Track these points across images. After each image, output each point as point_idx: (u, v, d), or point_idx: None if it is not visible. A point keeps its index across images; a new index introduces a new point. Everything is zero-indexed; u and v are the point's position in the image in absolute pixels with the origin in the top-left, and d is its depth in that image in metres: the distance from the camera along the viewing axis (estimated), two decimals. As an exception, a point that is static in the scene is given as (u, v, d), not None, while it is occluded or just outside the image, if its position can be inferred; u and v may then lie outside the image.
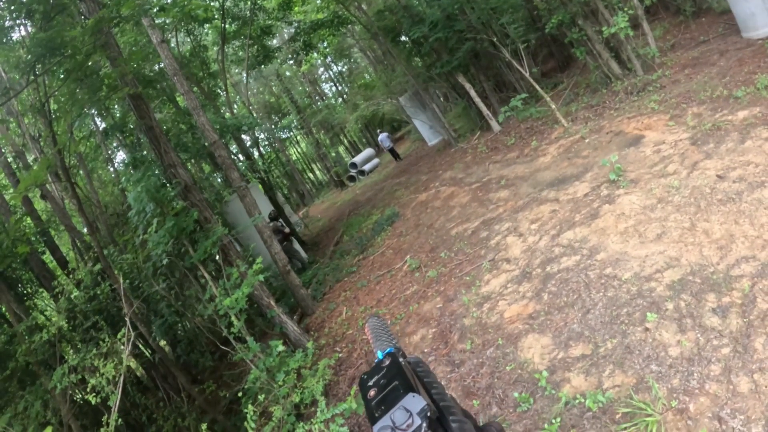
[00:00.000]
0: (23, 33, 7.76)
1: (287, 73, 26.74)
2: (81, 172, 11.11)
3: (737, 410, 2.48)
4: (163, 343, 7.94)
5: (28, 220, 8.45)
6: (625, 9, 7.89)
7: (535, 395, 3.30)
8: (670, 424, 2.60)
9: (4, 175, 9.48)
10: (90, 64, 5.78)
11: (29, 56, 5.31)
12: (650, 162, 5.43)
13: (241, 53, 14.63)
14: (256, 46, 13.55)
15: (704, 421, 2.52)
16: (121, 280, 5.44)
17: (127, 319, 4.71)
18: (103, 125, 10.84)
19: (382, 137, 19.26)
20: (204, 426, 4.12)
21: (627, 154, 5.92)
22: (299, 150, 32.93)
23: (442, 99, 15.63)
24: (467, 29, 10.23)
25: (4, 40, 6.69)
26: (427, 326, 5.05)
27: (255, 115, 18.58)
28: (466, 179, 9.25)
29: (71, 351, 6.03)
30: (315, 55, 17.51)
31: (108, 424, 4.05)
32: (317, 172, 33.57)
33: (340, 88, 31.50)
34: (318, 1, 14.78)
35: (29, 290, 8.00)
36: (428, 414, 0.81)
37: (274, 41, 17.54)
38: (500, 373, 3.72)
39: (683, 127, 5.74)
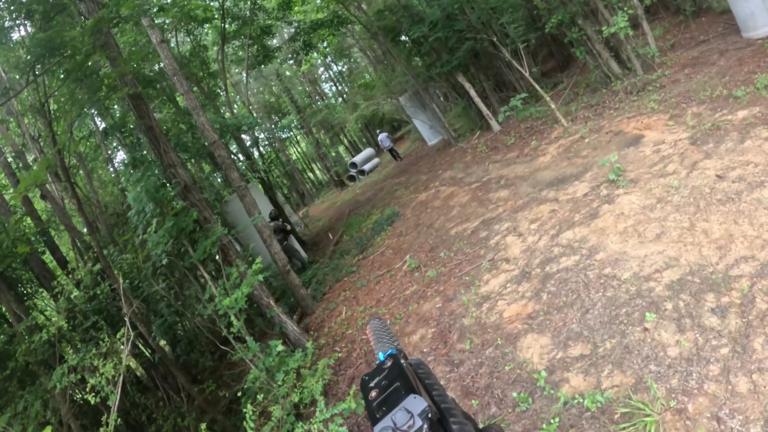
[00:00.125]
0: (23, 33, 7.76)
1: (287, 73, 26.75)
2: (81, 172, 11.11)
3: (736, 410, 2.48)
4: (162, 342, 7.94)
5: (28, 220, 8.46)
6: (625, 9, 7.88)
7: (534, 395, 3.30)
8: (669, 424, 2.60)
9: (4, 175, 9.49)
10: (90, 64, 5.79)
11: (29, 56, 5.31)
12: (650, 162, 5.43)
13: (241, 53, 14.64)
14: (256, 46, 13.55)
15: (703, 421, 2.52)
16: (121, 280, 5.45)
17: (126, 318, 4.71)
18: (103, 125, 10.84)
19: (382, 137, 19.27)
20: (203, 426, 4.13)
21: (626, 154, 5.92)
22: (299, 150, 32.94)
23: (442, 99, 15.64)
24: (467, 29, 10.23)
25: (4, 40, 6.69)
26: (427, 326, 5.05)
27: (255, 114, 18.57)
28: (466, 179, 9.25)
29: (71, 351, 6.03)
30: (315, 54, 17.52)
31: (107, 424, 4.06)
32: (317, 172, 33.58)
33: (340, 87, 31.52)
34: (318, 1, 14.78)
35: (29, 290, 8.01)
36: (429, 415, 0.82)
37: (274, 41, 17.55)
38: (499, 373, 3.72)
39: (683, 126, 5.73)
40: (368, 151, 23.86)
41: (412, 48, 11.72)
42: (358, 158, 22.66)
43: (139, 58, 8.46)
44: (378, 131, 21.71)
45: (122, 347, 4.72)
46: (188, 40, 12.68)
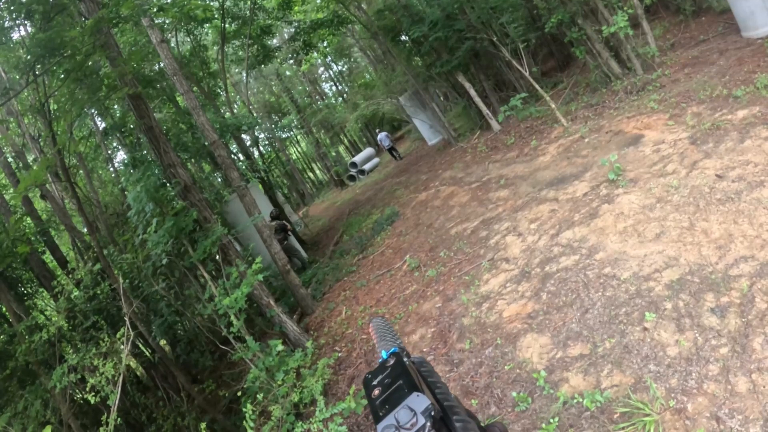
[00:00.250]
0: (23, 33, 7.77)
1: (287, 73, 26.73)
2: (81, 172, 11.11)
3: (735, 410, 2.48)
4: (162, 342, 7.95)
5: (28, 219, 8.46)
6: (625, 8, 7.88)
7: (534, 395, 3.30)
8: (668, 423, 2.60)
9: (4, 175, 9.49)
10: (89, 64, 5.79)
11: (29, 56, 5.31)
12: (649, 161, 5.43)
13: (241, 53, 14.64)
14: (256, 46, 13.55)
15: (702, 420, 2.52)
16: (121, 280, 5.45)
17: (126, 318, 4.72)
18: (103, 125, 10.84)
19: (381, 136, 19.28)
20: (203, 425, 4.13)
21: (626, 154, 5.92)
22: (299, 149, 32.94)
23: (442, 98, 15.63)
24: (467, 28, 10.22)
25: (4, 40, 6.69)
26: (426, 326, 5.05)
27: (255, 114, 18.57)
28: (466, 179, 9.25)
29: (71, 350, 6.04)
30: (315, 54, 17.53)
31: (107, 424, 4.06)
32: (317, 172, 33.58)
33: (340, 87, 31.51)
34: (318, 1, 14.78)
35: (29, 290, 8.01)
36: (432, 413, 0.82)
37: (274, 41, 17.54)
38: (499, 373, 3.72)
39: (683, 126, 5.73)
40: (368, 151, 23.85)
41: (412, 48, 11.71)
42: (358, 158, 22.65)
43: (139, 58, 8.46)
44: (378, 131, 21.72)
45: (122, 347, 4.73)
46: (188, 39, 12.68)
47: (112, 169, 13.14)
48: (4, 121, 9.68)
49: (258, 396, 4.48)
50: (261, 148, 16.34)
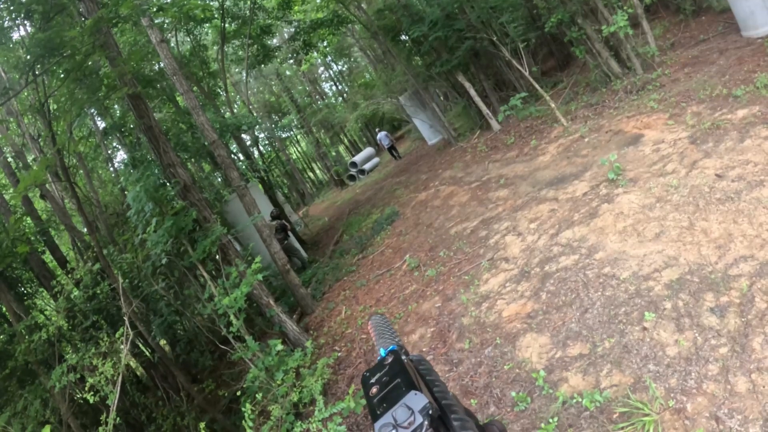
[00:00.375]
0: (23, 33, 7.76)
1: (287, 73, 26.72)
2: (81, 171, 11.12)
3: (735, 410, 2.48)
4: (162, 342, 7.95)
5: (28, 219, 8.47)
6: (625, 8, 7.88)
7: (533, 394, 3.30)
8: (668, 423, 2.60)
9: (4, 175, 9.49)
10: (89, 63, 5.79)
11: (29, 56, 5.31)
12: (649, 161, 5.43)
13: (240, 53, 14.63)
14: (255, 46, 13.54)
15: (701, 420, 2.51)
16: (121, 280, 5.45)
17: (126, 318, 4.72)
18: (103, 125, 10.84)
19: (381, 136, 19.30)
20: (203, 425, 4.13)
21: (626, 153, 5.92)
22: (299, 149, 32.94)
23: (442, 98, 15.63)
24: (467, 28, 10.22)
25: (4, 40, 6.69)
26: (426, 325, 5.05)
27: (255, 114, 18.57)
28: (466, 178, 9.25)
29: (70, 350, 6.04)
30: (315, 54, 17.52)
31: (107, 423, 4.06)
32: (317, 172, 33.58)
33: (340, 87, 31.51)
34: (318, 1, 14.77)
35: (29, 290, 8.01)
36: (430, 412, 0.82)
37: (274, 40, 17.54)
38: (498, 373, 3.72)
39: (682, 126, 5.73)
40: (368, 151, 23.85)
41: (412, 47, 11.71)
42: (358, 158, 22.65)
43: (139, 57, 8.45)
44: (377, 130, 21.72)
45: (122, 346, 4.73)
46: (188, 39, 12.68)
47: (112, 169, 13.14)
48: (4, 121, 9.68)
49: (257, 395, 4.48)
50: (261, 148, 16.34)
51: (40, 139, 9.05)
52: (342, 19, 13.18)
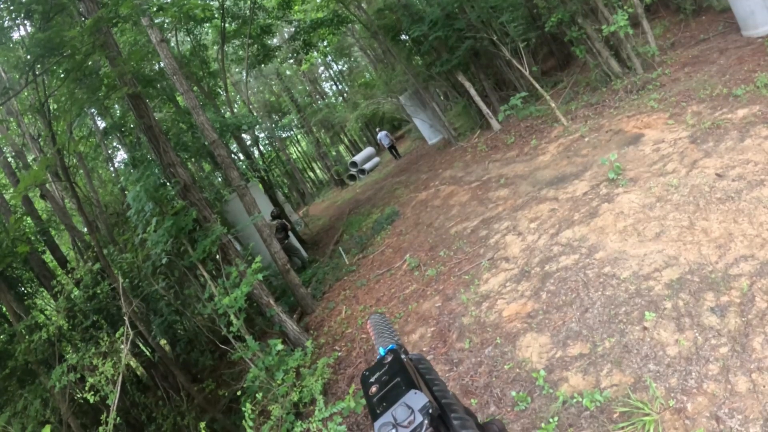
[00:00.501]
0: (23, 33, 7.76)
1: (287, 72, 26.72)
2: (81, 171, 11.12)
3: (735, 410, 2.48)
4: (162, 342, 7.95)
5: (28, 219, 8.47)
6: (625, 7, 7.87)
7: (533, 394, 3.30)
8: (668, 423, 2.60)
9: (4, 175, 9.49)
10: (89, 63, 5.79)
11: (29, 56, 5.31)
12: (649, 160, 5.43)
13: (241, 52, 14.63)
14: (256, 45, 13.54)
15: (702, 420, 2.51)
16: (121, 279, 5.45)
17: (126, 318, 4.71)
18: (103, 125, 10.84)
19: (381, 135, 19.31)
20: (203, 425, 4.13)
21: (626, 153, 5.91)
22: (299, 149, 32.94)
23: (442, 98, 15.62)
24: (467, 28, 10.21)
25: (4, 40, 6.69)
26: (426, 325, 5.05)
27: (255, 114, 18.57)
28: (466, 178, 9.25)
29: (71, 350, 6.04)
30: (315, 54, 17.51)
31: (107, 423, 4.06)
32: (317, 171, 33.58)
33: (340, 87, 31.51)
34: (318, 0, 14.77)
35: (29, 289, 8.01)
36: (430, 411, 0.81)
37: (274, 40, 17.54)
38: (498, 372, 3.72)
39: (683, 125, 5.73)
40: (368, 150, 23.84)
41: (412, 47, 11.70)
42: (358, 157, 22.65)
43: (139, 57, 8.44)
44: (378, 130, 21.72)
45: (122, 346, 4.73)
46: (188, 39, 12.67)
47: (112, 168, 13.15)
48: (4, 121, 9.69)
49: (258, 395, 4.48)
50: (261, 148, 16.34)
51: (40, 139, 9.05)
52: (342, 19, 13.18)
